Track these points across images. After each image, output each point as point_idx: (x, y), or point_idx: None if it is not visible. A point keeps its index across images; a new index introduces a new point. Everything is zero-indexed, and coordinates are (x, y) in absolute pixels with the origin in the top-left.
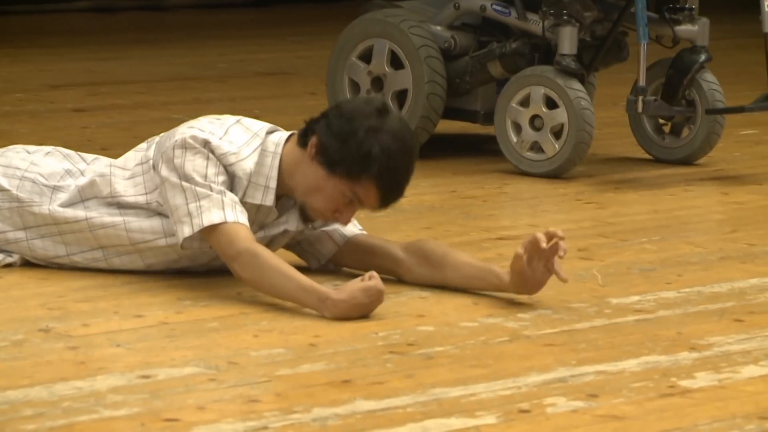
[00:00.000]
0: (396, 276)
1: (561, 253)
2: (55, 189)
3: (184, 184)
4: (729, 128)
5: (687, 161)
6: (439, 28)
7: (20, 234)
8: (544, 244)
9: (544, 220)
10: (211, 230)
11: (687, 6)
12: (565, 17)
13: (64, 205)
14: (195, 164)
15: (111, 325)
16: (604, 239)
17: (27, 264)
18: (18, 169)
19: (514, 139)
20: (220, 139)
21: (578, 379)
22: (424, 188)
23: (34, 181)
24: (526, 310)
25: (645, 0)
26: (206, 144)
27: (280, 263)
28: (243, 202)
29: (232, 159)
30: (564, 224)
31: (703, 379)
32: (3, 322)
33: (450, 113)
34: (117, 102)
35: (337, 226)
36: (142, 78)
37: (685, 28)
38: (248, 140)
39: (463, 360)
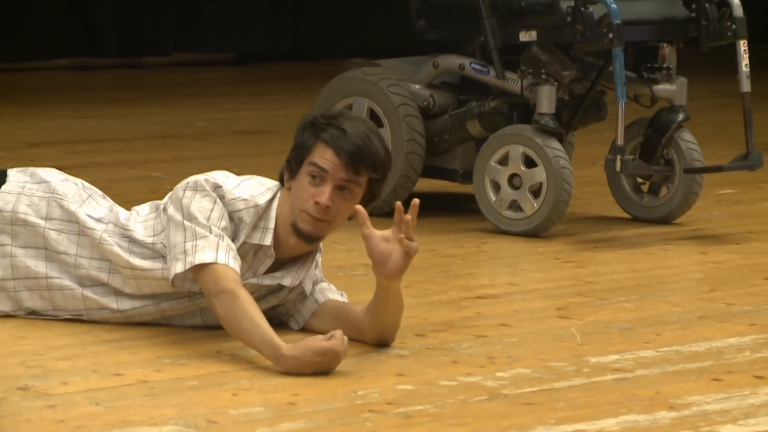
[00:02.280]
0: (360, 339)
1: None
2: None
3: (186, 223)
4: (707, 187)
5: (665, 220)
6: (418, 86)
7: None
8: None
9: (523, 278)
10: (201, 268)
11: (665, 65)
12: (543, 76)
13: (88, 215)
14: (201, 205)
15: (90, 383)
16: (583, 298)
17: (6, 317)
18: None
19: (493, 197)
20: (234, 189)
21: None
22: None
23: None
24: (505, 369)
25: (623, 59)
26: (216, 188)
27: (254, 311)
28: (244, 243)
29: (240, 205)
30: (543, 283)
31: None
32: None
33: (429, 172)
34: (96, 160)
35: (320, 288)
36: (122, 136)
37: (663, 88)
38: (261, 192)
39: (442, 419)
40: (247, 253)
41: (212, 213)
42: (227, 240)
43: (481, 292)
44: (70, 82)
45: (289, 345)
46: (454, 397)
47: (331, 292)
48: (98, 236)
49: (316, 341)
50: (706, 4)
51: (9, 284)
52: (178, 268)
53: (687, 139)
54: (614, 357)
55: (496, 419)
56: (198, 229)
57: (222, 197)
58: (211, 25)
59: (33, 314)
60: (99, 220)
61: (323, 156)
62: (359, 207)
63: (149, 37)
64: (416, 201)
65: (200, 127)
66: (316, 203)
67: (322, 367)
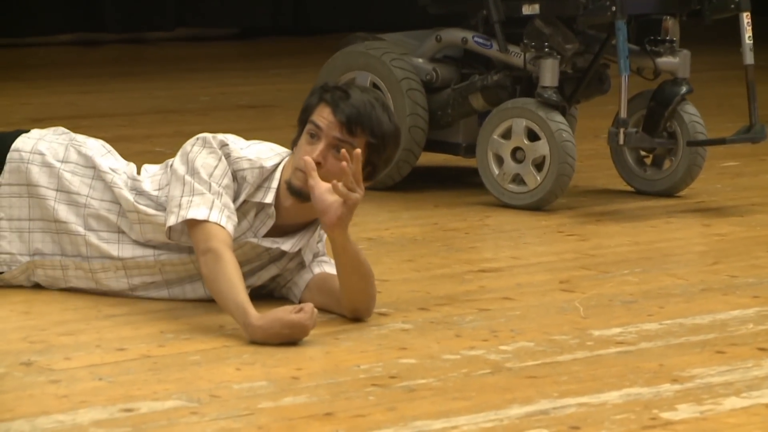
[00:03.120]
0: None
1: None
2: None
3: (187, 177)
4: (710, 160)
5: (668, 193)
6: (420, 60)
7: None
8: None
9: (526, 252)
10: (194, 224)
11: (668, 38)
12: (546, 50)
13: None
14: (205, 161)
15: (93, 358)
16: (586, 271)
17: (10, 287)
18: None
19: (496, 171)
20: (241, 149)
21: (560, 411)
22: (406, 220)
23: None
24: (508, 343)
25: (626, 32)
26: (223, 146)
27: (235, 275)
28: (245, 202)
29: (245, 164)
30: (546, 256)
31: (684, 411)
32: None
33: (432, 146)
34: (99, 135)
35: (318, 260)
36: (124, 111)
37: (666, 60)
38: (269, 156)
39: (445, 392)
40: (249, 212)
41: (215, 170)
42: (225, 199)
43: (484, 265)
44: (73, 58)
45: (259, 314)
46: (458, 371)
47: (327, 265)
48: (110, 179)
49: (285, 313)
50: None
51: (24, 224)
52: (171, 220)
53: (690, 111)
54: (617, 330)
55: (499, 393)
56: (197, 185)
57: (228, 155)
58: (213, 0)
59: (38, 255)
60: (114, 170)
61: (321, 114)
62: (307, 158)
63: (152, 12)
64: (357, 151)
65: (203, 102)
66: (309, 160)
67: (289, 339)
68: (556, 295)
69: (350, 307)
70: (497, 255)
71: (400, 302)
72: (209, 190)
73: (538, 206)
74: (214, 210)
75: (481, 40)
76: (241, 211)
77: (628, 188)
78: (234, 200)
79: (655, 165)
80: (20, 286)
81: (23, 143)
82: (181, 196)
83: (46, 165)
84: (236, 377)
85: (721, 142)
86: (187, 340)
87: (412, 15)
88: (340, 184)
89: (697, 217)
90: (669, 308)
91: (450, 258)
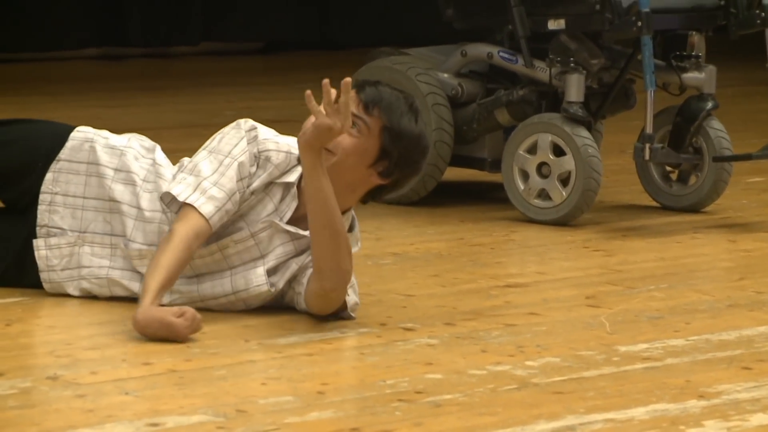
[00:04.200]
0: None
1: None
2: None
3: (202, 152)
4: (736, 176)
5: (694, 209)
6: (446, 75)
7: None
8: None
9: (552, 267)
10: (179, 201)
11: (694, 54)
12: (572, 65)
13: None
14: (228, 139)
15: (119, 372)
16: (612, 287)
17: (37, 301)
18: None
19: (522, 186)
20: (272, 136)
21: (587, 427)
22: (432, 235)
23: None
24: (534, 358)
25: (652, 48)
26: (252, 129)
27: (169, 260)
28: (270, 183)
29: (271, 146)
30: (572, 271)
31: (711, 428)
32: (11, 370)
33: (457, 161)
34: None
35: None
36: (150, 125)
37: (692, 76)
38: None
39: (471, 408)
40: (275, 194)
41: (235, 148)
42: (226, 187)
43: (509, 280)
44: (97, 72)
45: (148, 308)
46: (484, 386)
47: None
48: (162, 171)
49: (167, 314)
50: None
51: (79, 201)
52: (163, 187)
53: (716, 127)
54: (644, 346)
55: (525, 408)
56: (203, 164)
57: (255, 138)
58: (238, 15)
59: (88, 233)
60: (168, 165)
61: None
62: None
63: (177, 26)
64: (347, 79)
65: (228, 116)
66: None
67: (165, 338)
68: (583, 310)
69: (316, 279)
70: (523, 270)
71: (425, 317)
72: (207, 174)
73: (564, 221)
74: (199, 194)
75: (506, 55)
76: (266, 192)
77: (654, 204)
78: (251, 179)
79: (680, 180)
80: (47, 300)
81: (87, 128)
82: (186, 169)
83: (110, 146)
84: (262, 392)
85: (747, 157)
86: (214, 355)
87: (437, 30)
88: (313, 102)
89: (723, 232)
90: (695, 324)
91: (476, 273)
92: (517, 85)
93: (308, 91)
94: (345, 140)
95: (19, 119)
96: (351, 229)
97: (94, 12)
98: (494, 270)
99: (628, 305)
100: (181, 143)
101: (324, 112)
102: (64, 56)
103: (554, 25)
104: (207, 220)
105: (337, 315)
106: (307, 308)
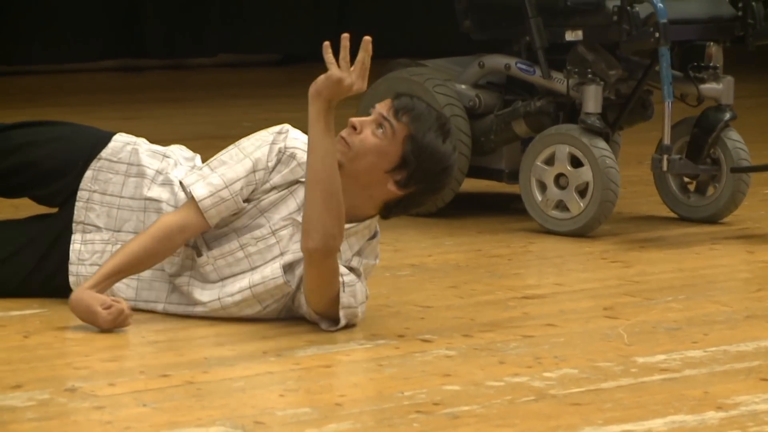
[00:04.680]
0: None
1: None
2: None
3: (229, 149)
4: (754, 187)
5: (712, 220)
6: (463, 86)
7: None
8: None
9: (569, 278)
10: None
11: (711, 64)
12: (589, 76)
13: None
14: (255, 137)
15: (137, 384)
16: (630, 298)
17: (55, 317)
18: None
19: (539, 197)
20: (301, 137)
21: None
22: (449, 247)
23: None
24: (552, 369)
25: (669, 59)
26: (281, 132)
27: (138, 245)
28: (295, 182)
29: (299, 145)
30: (589, 283)
31: None
32: (29, 382)
33: (475, 172)
34: None
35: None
36: (168, 137)
37: (709, 87)
38: None
39: (489, 419)
40: (297, 193)
41: (257, 149)
42: (230, 175)
43: (527, 292)
44: (114, 83)
45: (84, 290)
46: (501, 398)
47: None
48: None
49: (94, 302)
50: (753, 3)
51: (115, 201)
52: (179, 174)
53: (734, 138)
54: (662, 357)
55: (543, 420)
56: (222, 161)
57: (283, 137)
58: (255, 27)
59: (123, 232)
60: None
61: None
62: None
63: (194, 38)
64: (367, 38)
65: (246, 128)
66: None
67: (89, 323)
68: (600, 321)
69: (302, 239)
70: (541, 281)
71: (443, 329)
72: (228, 161)
73: (582, 233)
74: (208, 191)
75: (524, 66)
76: (290, 190)
77: (672, 215)
78: (269, 174)
79: (698, 192)
80: (64, 312)
81: (129, 135)
82: (209, 163)
83: (152, 150)
84: (280, 403)
85: (765, 168)
86: (231, 367)
87: (454, 41)
88: (329, 54)
89: (741, 243)
90: (713, 335)
91: (493, 284)
92: (535, 96)
93: (326, 42)
94: (368, 138)
95: (63, 121)
96: (373, 237)
97: (111, 23)
98: (512, 281)
99: (646, 316)
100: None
101: (338, 65)
102: (82, 68)
103: (572, 36)
104: (197, 205)
105: (330, 320)
106: (306, 301)
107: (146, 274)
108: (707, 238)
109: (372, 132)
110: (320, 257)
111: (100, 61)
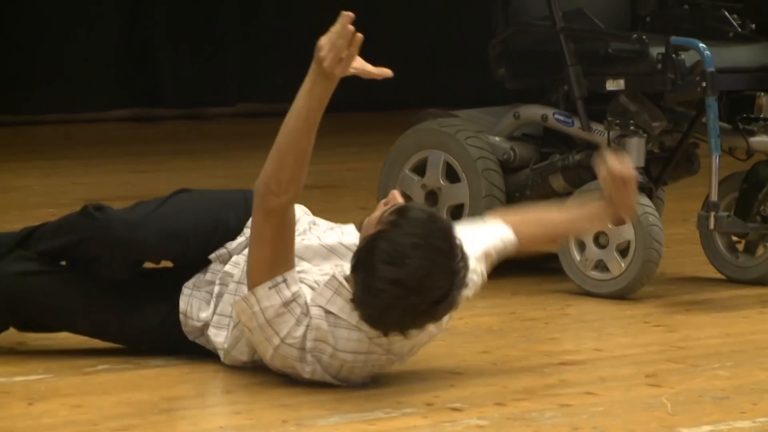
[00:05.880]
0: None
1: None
2: None
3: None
4: None
5: (762, 281)
6: (497, 138)
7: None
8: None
9: (610, 344)
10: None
11: (762, 116)
12: (632, 128)
13: None
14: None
15: None
16: (674, 365)
17: (61, 383)
18: None
19: (578, 257)
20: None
21: None
22: (482, 309)
23: None
24: None
25: (717, 110)
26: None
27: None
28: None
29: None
30: (631, 348)
31: None
32: None
33: None
34: None
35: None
36: None
37: (759, 140)
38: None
39: None
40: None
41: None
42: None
43: (564, 357)
44: (128, 134)
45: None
46: None
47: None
48: None
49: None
50: None
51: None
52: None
53: None
54: (708, 428)
55: None
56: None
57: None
58: (275, 74)
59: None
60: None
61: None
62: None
63: (212, 86)
64: (358, 36)
65: None
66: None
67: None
68: (642, 390)
69: None
70: (579, 347)
71: (475, 396)
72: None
73: (623, 295)
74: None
75: (562, 117)
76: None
77: (719, 276)
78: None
79: (747, 251)
80: (71, 377)
81: None
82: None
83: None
84: None
85: None
86: None
87: (488, 90)
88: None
89: None
90: (763, 405)
91: (528, 349)
92: (573, 149)
93: (349, 13)
94: (372, 217)
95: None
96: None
97: (123, 71)
98: (548, 346)
99: (691, 384)
100: None
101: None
102: (92, 118)
103: (613, 85)
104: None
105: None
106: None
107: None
108: (757, 301)
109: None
110: (259, 198)
111: (111, 110)
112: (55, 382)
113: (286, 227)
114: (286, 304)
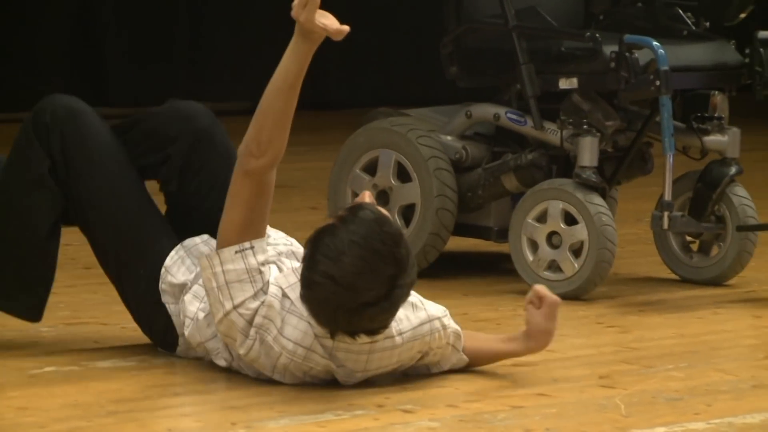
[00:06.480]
0: None
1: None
2: None
3: None
4: (761, 246)
5: (716, 282)
6: (449, 138)
7: None
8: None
9: (563, 344)
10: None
11: (716, 115)
12: (585, 127)
13: None
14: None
15: None
16: (628, 366)
17: (8, 385)
18: None
19: (530, 257)
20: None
21: None
22: None
23: None
24: None
25: (671, 109)
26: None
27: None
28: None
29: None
30: (584, 349)
31: None
32: None
33: (461, 229)
34: None
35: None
36: None
37: (714, 139)
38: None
39: None
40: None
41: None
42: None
43: (517, 359)
44: None
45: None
46: None
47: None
48: None
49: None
50: (761, 49)
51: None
52: None
53: (740, 194)
54: (662, 429)
55: None
56: None
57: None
58: (224, 74)
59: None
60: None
61: None
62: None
63: (163, 87)
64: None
65: None
66: None
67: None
68: (595, 391)
69: None
70: None
71: (426, 398)
72: None
73: (576, 295)
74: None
75: (514, 116)
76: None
77: (673, 276)
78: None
79: (702, 251)
80: (18, 379)
81: None
82: None
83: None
84: None
85: None
86: None
87: (439, 89)
88: None
89: (748, 307)
90: (717, 406)
91: None
92: (526, 148)
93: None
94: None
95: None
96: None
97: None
98: None
99: (645, 385)
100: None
101: None
102: None
103: (566, 84)
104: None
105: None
106: None
107: None
108: (711, 302)
109: None
110: (239, 159)
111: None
112: (1, 384)
113: (262, 194)
114: (249, 271)
